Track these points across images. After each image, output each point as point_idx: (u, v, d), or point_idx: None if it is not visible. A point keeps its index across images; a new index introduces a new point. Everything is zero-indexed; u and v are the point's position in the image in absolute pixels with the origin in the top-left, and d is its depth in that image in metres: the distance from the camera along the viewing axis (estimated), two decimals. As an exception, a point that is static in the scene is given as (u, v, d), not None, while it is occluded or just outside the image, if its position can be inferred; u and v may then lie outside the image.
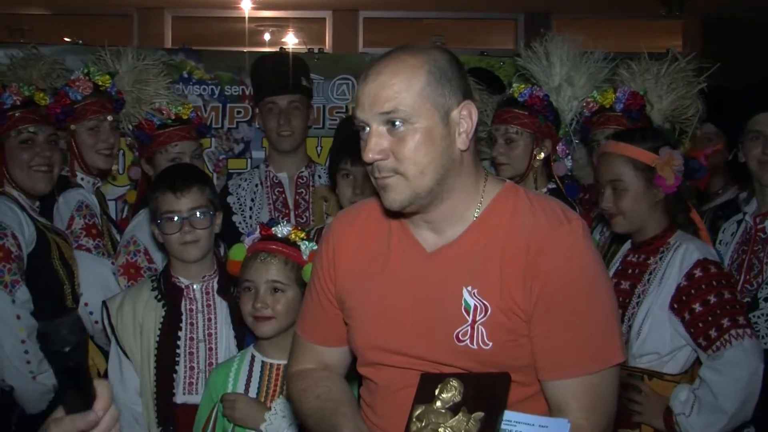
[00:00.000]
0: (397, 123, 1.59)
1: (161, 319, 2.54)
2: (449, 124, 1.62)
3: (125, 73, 3.43)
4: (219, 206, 2.68)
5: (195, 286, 2.60)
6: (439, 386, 1.61)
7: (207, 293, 2.61)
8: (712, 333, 2.32)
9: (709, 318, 2.33)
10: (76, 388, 1.13)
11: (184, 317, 2.56)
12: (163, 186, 2.58)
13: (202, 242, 2.56)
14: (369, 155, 1.61)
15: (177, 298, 2.57)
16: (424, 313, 1.67)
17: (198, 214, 2.55)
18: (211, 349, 2.55)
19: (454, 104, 1.63)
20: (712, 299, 2.34)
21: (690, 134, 3.36)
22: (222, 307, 2.61)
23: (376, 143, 1.61)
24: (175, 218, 2.54)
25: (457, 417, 1.57)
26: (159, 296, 2.58)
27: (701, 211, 2.82)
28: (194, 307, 2.58)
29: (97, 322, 2.83)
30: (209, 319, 2.58)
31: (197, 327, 2.56)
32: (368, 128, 1.63)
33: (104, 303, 2.61)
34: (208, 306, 2.60)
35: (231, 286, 2.63)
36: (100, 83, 3.20)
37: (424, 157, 1.60)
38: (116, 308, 2.56)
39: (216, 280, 2.63)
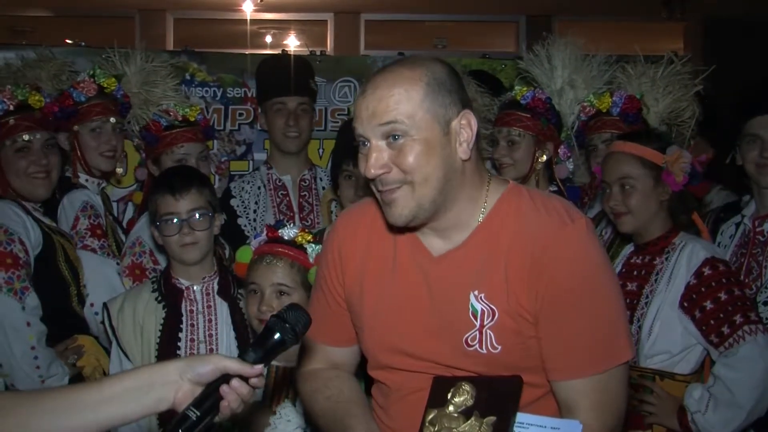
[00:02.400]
0: (396, 136, 1.58)
1: (161, 321, 2.54)
2: (449, 133, 1.62)
3: (133, 74, 3.42)
4: (218, 207, 2.67)
5: (195, 288, 2.60)
6: (451, 390, 1.62)
7: (207, 294, 2.61)
8: (725, 330, 2.35)
9: (721, 315, 2.36)
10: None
11: (184, 318, 2.56)
12: (162, 188, 2.58)
13: (201, 244, 2.56)
14: (371, 171, 1.61)
15: (177, 300, 2.57)
16: (433, 318, 1.67)
17: (197, 215, 2.54)
18: (211, 350, 2.54)
19: (454, 114, 1.62)
20: (723, 296, 2.37)
21: (688, 137, 3.35)
22: (222, 308, 2.61)
23: (377, 158, 1.60)
24: (174, 220, 2.53)
25: (469, 421, 1.58)
26: (159, 298, 2.58)
27: (700, 214, 2.82)
28: (194, 309, 2.58)
29: (102, 323, 2.83)
30: (210, 321, 2.58)
31: (198, 328, 2.57)
32: (368, 143, 1.62)
33: (105, 305, 2.61)
34: (209, 307, 2.60)
35: (231, 287, 2.64)
36: (105, 85, 3.19)
37: (426, 166, 1.60)
38: (117, 310, 2.56)
39: (216, 281, 2.63)
